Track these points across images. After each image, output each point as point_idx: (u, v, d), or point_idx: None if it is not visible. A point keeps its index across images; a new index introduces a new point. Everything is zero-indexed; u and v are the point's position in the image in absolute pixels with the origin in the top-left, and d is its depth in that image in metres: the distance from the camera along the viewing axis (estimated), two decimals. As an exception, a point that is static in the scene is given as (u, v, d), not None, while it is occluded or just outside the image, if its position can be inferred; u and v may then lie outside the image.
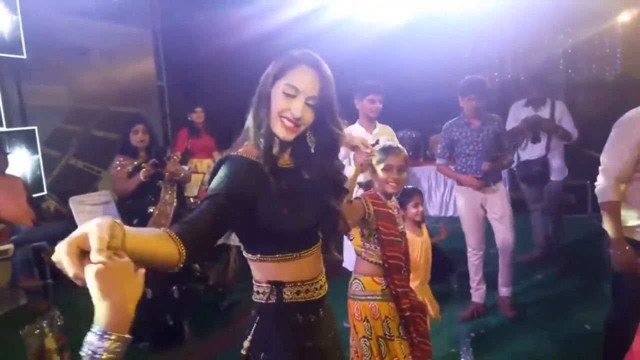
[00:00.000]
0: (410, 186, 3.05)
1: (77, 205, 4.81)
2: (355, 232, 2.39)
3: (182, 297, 3.67)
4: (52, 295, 3.91)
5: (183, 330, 3.62)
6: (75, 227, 4.24)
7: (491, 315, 3.83)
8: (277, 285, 1.49)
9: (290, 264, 1.50)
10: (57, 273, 3.72)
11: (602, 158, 2.49)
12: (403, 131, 6.97)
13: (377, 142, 2.57)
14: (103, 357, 0.85)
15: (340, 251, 1.71)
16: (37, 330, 3.19)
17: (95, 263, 0.86)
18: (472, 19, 6.11)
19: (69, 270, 0.87)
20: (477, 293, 3.88)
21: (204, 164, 5.23)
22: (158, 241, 1.13)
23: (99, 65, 6.38)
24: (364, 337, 2.38)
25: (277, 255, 1.48)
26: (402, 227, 2.43)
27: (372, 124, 3.74)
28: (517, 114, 4.61)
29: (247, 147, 1.48)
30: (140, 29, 7.16)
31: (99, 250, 0.87)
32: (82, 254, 0.88)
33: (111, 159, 3.69)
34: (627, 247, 2.40)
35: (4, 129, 5.11)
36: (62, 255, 0.87)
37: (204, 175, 5.00)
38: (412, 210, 2.92)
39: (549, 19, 6.32)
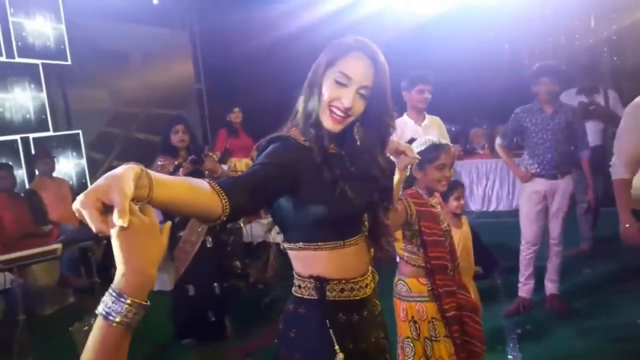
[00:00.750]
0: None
1: (121, 205, 4.94)
2: (398, 234, 2.33)
3: (224, 294, 3.70)
4: (99, 294, 4.01)
5: (225, 327, 3.66)
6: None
7: (538, 311, 3.72)
8: (320, 282, 1.42)
9: (334, 254, 1.43)
10: (104, 272, 3.82)
11: (615, 140, 2.64)
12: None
13: (412, 139, 2.52)
14: (117, 319, 0.81)
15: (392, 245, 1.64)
16: (86, 327, 3.28)
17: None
18: (511, 8, 5.95)
19: (91, 224, 0.81)
20: (525, 288, 3.76)
21: (243, 163, 5.29)
22: (195, 191, 1.07)
23: (139, 69, 6.54)
24: (407, 337, 2.34)
25: (320, 243, 1.42)
26: (446, 224, 2.36)
27: (421, 116, 3.69)
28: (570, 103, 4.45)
29: (293, 131, 1.44)
30: (179, 32, 7.30)
31: (121, 211, 0.79)
32: (105, 206, 0.81)
33: (153, 161, 3.75)
34: (632, 222, 2.54)
35: (51, 133, 5.29)
36: (82, 207, 0.80)
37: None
38: (453, 203, 2.87)
39: (590, 5, 6.11)
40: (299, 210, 1.39)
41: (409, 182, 2.39)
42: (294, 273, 1.50)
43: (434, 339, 2.29)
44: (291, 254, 1.49)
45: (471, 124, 6.68)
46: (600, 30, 6.41)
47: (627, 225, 2.56)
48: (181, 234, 3.62)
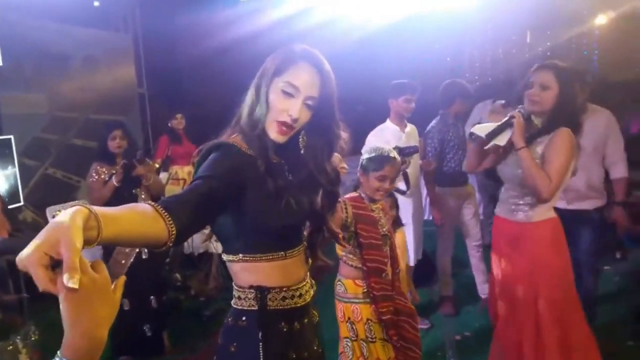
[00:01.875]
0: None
1: (54, 215, 4.72)
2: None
3: (161, 307, 3.61)
4: (27, 310, 3.82)
5: (163, 342, 3.56)
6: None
7: (477, 318, 3.81)
8: (261, 291, 1.42)
9: (275, 265, 1.43)
10: (33, 287, 3.63)
11: None
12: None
13: (397, 147, 2.66)
14: None
15: (329, 255, 1.65)
16: (11, 347, 3.11)
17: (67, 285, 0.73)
18: (454, 21, 6.12)
19: (37, 283, 0.75)
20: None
21: (185, 171, 5.18)
22: (143, 220, 1.04)
23: (79, 73, 6.28)
24: (346, 337, 2.41)
25: (261, 255, 1.41)
26: (385, 229, 2.41)
27: (404, 123, 3.87)
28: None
29: (236, 138, 1.42)
30: (121, 34, 7.09)
31: (71, 270, 0.74)
32: (52, 261, 0.76)
33: (90, 168, 3.62)
34: None
35: (-22, 138, 5.01)
36: (28, 264, 0.76)
37: (185, 182, 4.95)
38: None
39: (527, 21, 6.36)
40: (240, 222, 1.38)
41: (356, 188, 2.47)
42: (234, 284, 1.49)
43: (370, 340, 2.35)
44: (230, 265, 1.48)
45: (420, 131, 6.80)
46: (536, 45, 6.69)
47: None
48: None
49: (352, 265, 2.40)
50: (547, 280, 2.47)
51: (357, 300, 2.39)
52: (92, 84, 6.39)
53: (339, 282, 2.46)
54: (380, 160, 2.36)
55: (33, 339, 3.06)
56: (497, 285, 2.69)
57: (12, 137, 5.29)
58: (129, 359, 3.47)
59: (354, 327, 2.39)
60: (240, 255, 1.42)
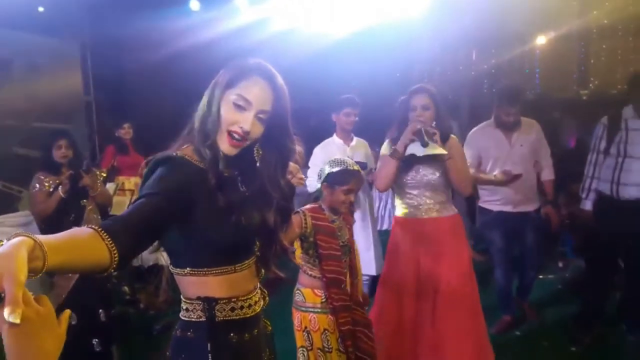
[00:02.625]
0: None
1: (-5, 226, 4.52)
2: (296, 244, 2.41)
3: (110, 322, 3.51)
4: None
5: (112, 357, 3.45)
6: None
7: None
8: (208, 302, 1.40)
9: (223, 279, 1.41)
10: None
11: None
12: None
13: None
14: None
15: (281, 267, 1.65)
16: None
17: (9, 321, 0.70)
18: (403, 38, 6.28)
19: None
20: None
21: (132, 182, 5.06)
22: (86, 245, 1.02)
23: (22, 80, 6.05)
24: (302, 346, 2.42)
25: (209, 269, 1.39)
26: (344, 240, 2.44)
27: (349, 137, 3.98)
28: None
29: (186, 149, 1.41)
30: (68, 41, 6.87)
31: (13, 304, 0.71)
32: None
33: (32, 178, 3.49)
34: None
35: None
36: None
37: (133, 193, 4.85)
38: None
39: (473, 40, 6.62)
40: (189, 236, 1.36)
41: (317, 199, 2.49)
42: (182, 297, 1.47)
43: (326, 350, 2.37)
44: (178, 278, 1.46)
45: (379, 142, 6.89)
46: (481, 63, 6.97)
47: None
48: (62, 258, 3.37)
49: (311, 275, 2.42)
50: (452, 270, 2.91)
51: (314, 310, 2.40)
52: (36, 91, 6.15)
53: (297, 291, 2.47)
54: (347, 174, 2.40)
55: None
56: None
57: (-52, 144, 5.04)
58: (75, 376, 3.34)
59: (310, 337, 2.40)
60: (188, 269, 1.41)
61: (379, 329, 2.85)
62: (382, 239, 4.17)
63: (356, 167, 2.45)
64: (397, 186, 3.03)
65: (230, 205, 1.37)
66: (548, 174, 3.88)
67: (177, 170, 1.33)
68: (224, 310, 1.42)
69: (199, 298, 1.41)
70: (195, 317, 1.42)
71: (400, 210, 3.06)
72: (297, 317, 2.46)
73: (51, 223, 3.45)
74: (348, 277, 2.43)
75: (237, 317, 1.45)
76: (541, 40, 6.61)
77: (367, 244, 4.00)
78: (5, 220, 4.67)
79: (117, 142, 5.38)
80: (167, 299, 4.25)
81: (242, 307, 1.46)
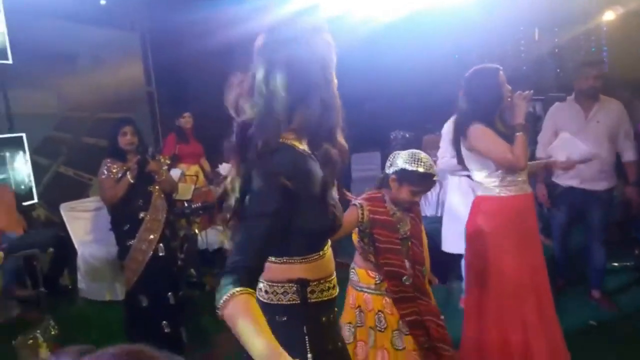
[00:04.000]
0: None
1: (68, 212, 4.76)
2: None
3: (179, 304, 3.62)
4: (45, 305, 3.85)
5: (181, 338, 3.58)
6: (66, 234, 4.13)
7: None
8: (302, 284, 1.40)
9: (315, 264, 1.43)
10: (51, 282, 3.69)
11: None
12: (396, 131, 6.99)
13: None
14: None
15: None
16: (31, 341, 3.14)
17: None
18: (461, 17, 6.12)
19: None
20: None
21: (192, 170, 5.20)
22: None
23: (87, 72, 6.31)
24: (350, 322, 2.39)
25: (304, 256, 1.41)
26: (405, 231, 2.37)
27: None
28: None
29: (291, 137, 1.40)
30: (128, 33, 7.11)
31: None
32: None
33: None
34: None
35: (-10, 135, 5.03)
36: None
37: (196, 179, 4.98)
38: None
39: (535, 19, 6.36)
40: (290, 227, 1.34)
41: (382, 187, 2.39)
42: (264, 280, 1.45)
43: (378, 329, 2.33)
44: (268, 265, 1.42)
45: (424, 130, 6.83)
46: (544, 43, 6.70)
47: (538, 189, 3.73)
48: (131, 242, 3.50)
49: (365, 258, 2.38)
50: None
51: (369, 290, 2.38)
52: (101, 83, 6.41)
53: (352, 270, 2.45)
54: (420, 178, 2.27)
55: (52, 333, 3.09)
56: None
57: (24, 135, 5.32)
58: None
59: (362, 315, 2.37)
60: (285, 257, 1.41)
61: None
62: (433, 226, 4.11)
63: (432, 171, 2.29)
64: None
65: (327, 194, 1.39)
66: (629, 155, 3.78)
67: (291, 163, 1.34)
68: (315, 291, 1.43)
69: (290, 281, 1.41)
70: (286, 300, 1.42)
71: (496, 189, 2.76)
72: (352, 295, 2.43)
73: (120, 208, 3.57)
74: (409, 268, 2.35)
75: (326, 298, 1.46)
76: (608, 16, 6.26)
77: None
78: (77, 206, 4.93)
79: (177, 131, 5.52)
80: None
81: (328, 288, 1.47)
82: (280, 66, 1.34)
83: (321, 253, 1.45)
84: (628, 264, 4.70)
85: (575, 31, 6.52)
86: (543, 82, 6.25)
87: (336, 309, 1.61)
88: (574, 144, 3.16)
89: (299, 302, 1.41)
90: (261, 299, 1.45)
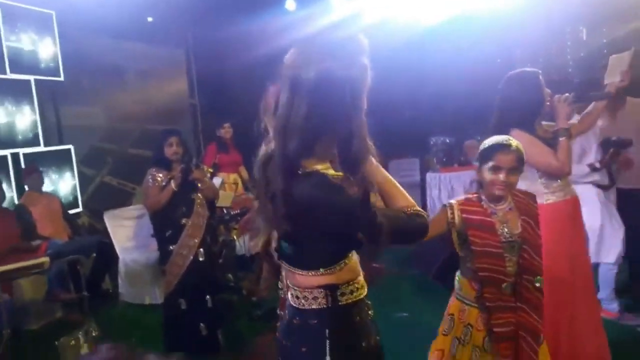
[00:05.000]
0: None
1: (112, 219, 4.89)
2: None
3: (216, 307, 3.64)
4: (87, 308, 3.93)
5: (218, 340, 3.58)
6: (109, 240, 4.24)
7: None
8: (332, 289, 1.41)
9: (343, 270, 1.44)
10: (93, 286, 3.76)
11: None
12: (436, 137, 6.86)
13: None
14: None
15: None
16: (73, 342, 3.21)
17: None
18: (505, 21, 5.99)
19: None
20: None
21: (231, 178, 5.27)
22: None
23: (133, 85, 6.53)
24: (442, 330, 2.30)
25: (337, 264, 1.42)
26: (512, 234, 2.15)
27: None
28: None
29: (319, 165, 1.39)
30: (173, 48, 7.32)
31: None
32: None
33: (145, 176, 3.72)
34: None
35: (41, 148, 5.24)
36: None
37: (237, 187, 5.03)
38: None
39: (582, 18, 6.15)
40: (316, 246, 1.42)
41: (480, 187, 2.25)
42: (294, 287, 1.47)
43: (462, 342, 2.19)
44: (301, 277, 1.46)
45: (466, 135, 6.68)
46: (592, 42, 6.45)
47: None
48: (172, 247, 3.55)
49: (468, 267, 2.22)
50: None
51: (467, 302, 2.22)
52: (146, 96, 6.61)
53: (457, 277, 2.31)
54: (490, 148, 2.14)
55: (94, 334, 3.15)
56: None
57: (72, 147, 5.52)
58: (184, 356, 3.51)
59: (452, 324, 2.25)
60: (312, 272, 1.43)
61: None
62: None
63: (507, 141, 2.14)
64: None
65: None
66: None
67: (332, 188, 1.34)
68: (345, 294, 1.44)
69: (319, 287, 1.42)
70: (316, 305, 1.43)
71: (543, 196, 2.64)
72: (451, 302, 2.31)
73: (163, 215, 3.63)
74: (514, 276, 2.15)
75: (356, 299, 1.45)
76: (661, 14, 5.99)
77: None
78: (120, 214, 5.05)
79: (218, 141, 5.60)
80: (267, 287, 4.35)
81: (357, 289, 1.47)
82: (307, 88, 1.29)
83: (346, 261, 1.44)
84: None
85: (625, 30, 6.25)
86: (591, 85, 6.01)
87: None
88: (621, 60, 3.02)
89: (330, 305, 1.42)
90: (293, 304, 1.47)
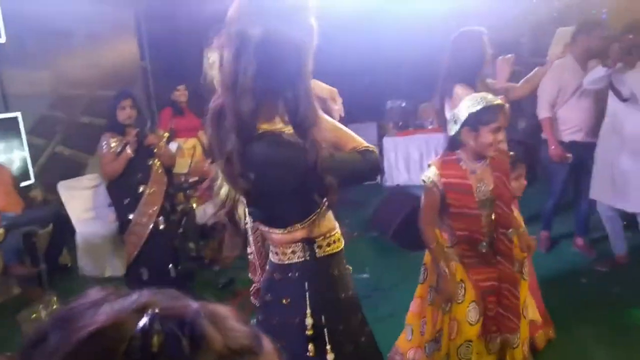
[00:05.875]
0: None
1: (66, 190, 4.75)
2: None
3: (179, 277, 3.65)
4: (46, 282, 3.85)
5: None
6: (65, 212, 4.12)
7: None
8: (307, 242, 1.48)
9: (316, 222, 1.49)
10: (51, 259, 3.67)
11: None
12: (392, 100, 6.92)
13: None
14: None
15: None
16: (34, 315, 3.16)
17: None
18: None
19: None
20: None
21: (189, 143, 5.16)
22: None
23: (81, 49, 6.22)
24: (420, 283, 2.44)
25: (304, 220, 1.48)
26: (486, 191, 2.20)
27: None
28: None
29: (279, 124, 1.44)
30: (122, 9, 6.99)
31: None
32: None
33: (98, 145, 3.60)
34: (557, 144, 3.82)
35: (-16, 116, 4.99)
36: None
37: (193, 153, 4.96)
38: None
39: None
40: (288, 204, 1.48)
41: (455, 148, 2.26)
42: (272, 244, 1.56)
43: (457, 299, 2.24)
44: (273, 235, 1.53)
45: (421, 99, 6.76)
46: (543, 6, 6.59)
47: (553, 147, 3.79)
48: (131, 216, 3.51)
49: (446, 223, 2.28)
50: None
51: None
52: (96, 60, 6.32)
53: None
54: (491, 110, 2.12)
55: (55, 307, 3.11)
56: None
57: (19, 114, 5.27)
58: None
59: (426, 274, 2.38)
60: (288, 228, 1.48)
61: None
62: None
63: (498, 101, 2.17)
64: None
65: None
66: None
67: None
68: (322, 246, 1.51)
69: (295, 241, 1.49)
70: (296, 258, 1.50)
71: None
72: (426, 254, 2.41)
73: (120, 183, 3.57)
74: (488, 234, 2.22)
75: (333, 252, 1.53)
76: (609, -23, 6.13)
77: None
78: (75, 184, 4.92)
79: (173, 105, 5.46)
80: (230, 255, 4.37)
81: (334, 241, 1.54)
82: (254, 45, 1.26)
83: (317, 214, 1.48)
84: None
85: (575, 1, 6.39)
86: (544, 47, 6.15)
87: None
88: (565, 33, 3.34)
89: (308, 258, 1.49)
90: (273, 260, 1.55)
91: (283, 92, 1.34)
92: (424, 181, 2.24)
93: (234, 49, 1.28)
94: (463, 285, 2.24)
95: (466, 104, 2.18)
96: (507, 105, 2.20)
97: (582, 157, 3.87)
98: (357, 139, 1.53)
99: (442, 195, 2.19)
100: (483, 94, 2.23)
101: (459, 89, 2.75)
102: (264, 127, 1.37)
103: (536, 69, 3.40)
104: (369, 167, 1.51)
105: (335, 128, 1.52)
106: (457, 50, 2.86)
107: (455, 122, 2.20)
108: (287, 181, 1.39)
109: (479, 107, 2.12)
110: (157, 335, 0.42)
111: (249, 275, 1.83)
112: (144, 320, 0.44)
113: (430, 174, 2.22)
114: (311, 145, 1.33)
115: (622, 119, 3.56)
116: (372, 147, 1.52)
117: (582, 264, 4.00)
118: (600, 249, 4.13)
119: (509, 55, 2.82)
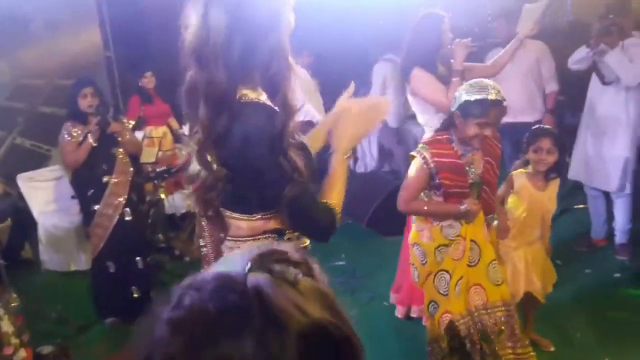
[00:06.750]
0: (541, 126, 2.78)
1: (27, 182, 4.57)
2: None
3: (148, 269, 3.54)
4: (5, 277, 3.69)
5: (151, 302, 3.50)
6: (25, 205, 3.95)
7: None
8: (279, 233, 1.46)
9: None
10: (11, 254, 3.51)
11: None
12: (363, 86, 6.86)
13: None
14: None
15: None
16: (-8, 313, 3.01)
17: None
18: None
19: None
20: None
21: (159, 131, 5.02)
22: None
23: (41, 37, 6.00)
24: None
25: (275, 211, 1.45)
26: (477, 175, 2.19)
27: None
28: None
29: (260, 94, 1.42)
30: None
31: None
32: None
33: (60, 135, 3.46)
34: None
35: (-61, 107, 4.76)
36: None
37: (160, 141, 4.83)
38: (532, 155, 2.53)
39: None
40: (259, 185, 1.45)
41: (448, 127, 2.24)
42: (237, 237, 1.49)
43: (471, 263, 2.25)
44: (239, 222, 1.48)
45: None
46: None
47: None
48: (96, 207, 3.39)
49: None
50: None
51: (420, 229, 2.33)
52: (57, 49, 6.10)
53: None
54: (485, 105, 2.06)
55: (13, 304, 2.97)
56: None
57: (-25, 105, 5.05)
58: (116, 321, 3.41)
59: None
60: (261, 214, 1.45)
61: None
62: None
63: (499, 97, 2.07)
64: None
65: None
66: (550, 87, 4.18)
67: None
68: (292, 239, 1.49)
69: (266, 232, 1.45)
70: None
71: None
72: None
73: (83, 173, 3.45)
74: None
75: (302, 246, 1.50)
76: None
77: None
78: (36, 176, 4.73)
79: (140, 92, 5.30)
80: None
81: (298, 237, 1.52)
82: (225, 8, 1.25)
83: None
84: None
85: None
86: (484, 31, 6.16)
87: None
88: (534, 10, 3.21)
89: None
90: None
91: (256, 50, 1.30)
92: (413, 156, 2.22)
93: (203, 8, 1.27)
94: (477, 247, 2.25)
95: (467, 88, 2.14)
96: (505, 103, 2.12)
97: (517, 138, 3.85)
98: (339, 199, 1.53)
99: (432, 175, 2.17)
100: (492, 83, 2.15)
101: (417, 72, 2.83)
102: (245, 95, 1.34)
103: (506, 47, 3.39)
104: (326, 222, 1.47)
105: (337, 177, 1.54)
106: (416, 33, 2.92)
107: (456, 100, 2.17)
108: (261, 155, 1.33)
109: (475, 97, 2.07)
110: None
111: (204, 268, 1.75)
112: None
113: (422, 151, 2.19)
114: (282, 108, 1.32)
115: (596, 99, 3.64)
116: (336, 211, 1.50)
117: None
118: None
119: (465, 40, 2.84)
